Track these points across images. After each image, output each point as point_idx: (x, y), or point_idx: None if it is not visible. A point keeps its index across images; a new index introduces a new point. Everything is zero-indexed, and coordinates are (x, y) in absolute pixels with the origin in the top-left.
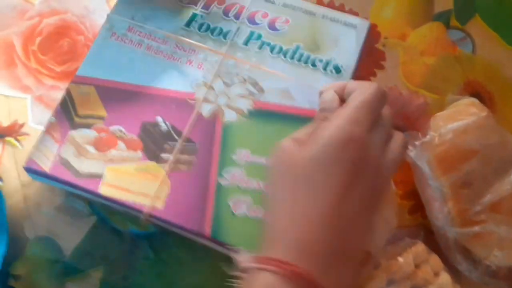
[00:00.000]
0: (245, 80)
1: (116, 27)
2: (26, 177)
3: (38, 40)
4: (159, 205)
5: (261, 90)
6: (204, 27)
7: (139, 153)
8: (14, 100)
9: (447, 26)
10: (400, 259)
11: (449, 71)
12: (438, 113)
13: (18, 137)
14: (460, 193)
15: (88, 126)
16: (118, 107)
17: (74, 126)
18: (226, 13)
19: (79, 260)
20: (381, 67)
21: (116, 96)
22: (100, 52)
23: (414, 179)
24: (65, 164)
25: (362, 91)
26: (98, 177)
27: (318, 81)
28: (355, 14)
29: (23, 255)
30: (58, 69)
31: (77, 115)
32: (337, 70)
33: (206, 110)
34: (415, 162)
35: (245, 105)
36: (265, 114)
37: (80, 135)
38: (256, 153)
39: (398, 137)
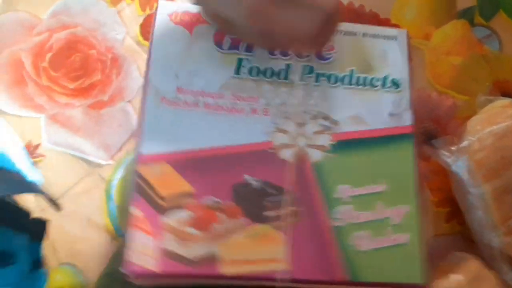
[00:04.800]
0: (315, 116)
1: (162, 91)
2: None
3: (48, 56)
4: (286, 266)
5: (334, 123)
6: (254, 71)
7: (242, 219)
8: (27, 120)
9: (472, 23)
10: (454, 276)
11: (477, 71)
12: (474, 117)
13: (34, 159)
14: (503, 200)
15: (178, 206)
16: (200, 177)
17: (163, 211)
18: (271, 51)
19: (105, 286)
20: None
21: (194, 166)
22: (156, 123)
23: (451, 186)
24: (172, 256)
25: None
26: (213, 258)
27: (382, 100)
28: (386, 22)
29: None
30: (72, 85)
31: (162, 198)
32: (396, 85)
33: (288, 155)
34: (453, 168)
35: (325, 140)
36: (347, 144)
37: (174, 219)
38: (356, 186)
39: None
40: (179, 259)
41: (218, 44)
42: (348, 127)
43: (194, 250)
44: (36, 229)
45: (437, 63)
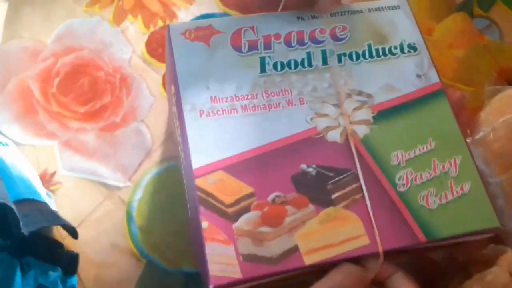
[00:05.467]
0: (349, 94)
1: (198, 104)
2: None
3: (56, 81)
4: (366, 241)
5: (369, 96)
6: (279, 66)
7: (311, 207)
8: (41, 148)
9: (471, 15)
10: (495, 268)
11: (480, 62)
12: (486, 108)
13: (51, 187)
14: None
15: (246, 210)
16: (257, 176)
17: (233, 217)
18: (288, 44)
19: None
20: None
21: (248, 167)
22: (200, 136)
23: None
24: (253, 258)
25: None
26: (293, 251)
27: (405, 65)
28: None
29: None
30: (82, 109)
31: (227, 206)
32: (413, 48)
33: (336, 136)
34: None
35: (366, 115)
36: (387, 114)
37: (246, 222)
38: (408, 150)
39: None
40: (260, 260)
41: (237, 49)
42: (383, 97)
43: (273, 248)
44: (69, 262)
45: (440, 57)
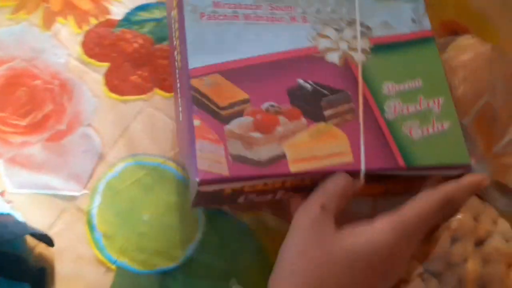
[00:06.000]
0: (350, 22)
1: (200, 7)
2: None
3: None
4: (350, 159)
5: (368, 28)
6: None
7: (303, 120)
8: None
9: None
10: (459, 215)
11: None
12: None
13: None
14: (485, 129)
15: (239, 114)
16: (254, 84)
17: (225, 120)
18: None
19: None
20: None
21: (245, 74)
22: (199, 37)
23: None
24: (241, 160)
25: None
26: (280, 158)
27: (403, 8)
28: None
29: None
30: (23, 122)
31: (221, 108)
32: None
33: (335, 58)
34: None
35: (365, 44)
36: (383, 48)
37: (238, 125)
38: (399, 82)
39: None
40: (248, 162)
41: None
42: (380, 32)
43: (261, 153)
44: (37, 277)
45: None
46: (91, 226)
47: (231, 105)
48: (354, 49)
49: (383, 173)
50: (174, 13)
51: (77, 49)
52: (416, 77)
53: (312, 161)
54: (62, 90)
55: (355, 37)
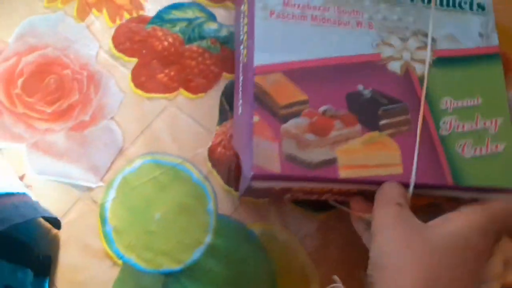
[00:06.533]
0: (415, 32)
1: (270, 5)
2: None
3: (20, 81)
4: (400, 171)
5: (433, 40)
6: None
7: (358, 127)
8: (7, 152)
9: None
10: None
11: None
12: None
13: None
14: None
15: (296, 114)
16: (314, 86)
17: (283, 119)
18: None
19: None
20: None
21: (307, 75)
22: (267, 34)
23: None
24: (293, 159)
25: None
26: (332, 163)
27: (471, 21)
28: None
29: None
30: (49, 110)
31: (280, 107)
32: (482, 7)
33: (396, 67)
34: None
35: (428, 56)
36: (446, 61)
37: (294, 126)
38: (457, 98)
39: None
40: (300, 162)
41: None
42: (445, 44)
43: (313, 155)
44: (41, 264)
45: None
46: (103, 219)
47: (290, 105)
48: (417, 60)
49: (429, 188)
50: (244, 7)
51: (108, 43)
52: (476, 95)
53: (361, 169)
54: (89, 81)
55: (419, 48)
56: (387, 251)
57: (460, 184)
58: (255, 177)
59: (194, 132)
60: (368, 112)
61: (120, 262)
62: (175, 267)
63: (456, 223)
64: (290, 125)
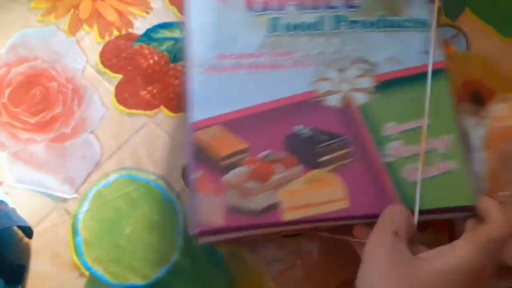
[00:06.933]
0: (355, 61)
1: (204, 60)
2: None
3: (7, 91)
4: (345, 205)
5: (373, 65)
6: (289, 27)
7: (299, 167)
8: None
9: (437, 23)
10: None
11: None
12: None
13: None
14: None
15: (237, 164)
16: (253, 133)
17: (224, 170)
18: (302, 7)
19: None
20: None
21: (245, 124)
22: (203, 90)
23: None
24: (237, 210)
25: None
26: (275, 207)
27: (414, 39)
28: None
29: None
30: (33, 120)
31: (220, 159)
32: (424, 24)
33: (335, 101)
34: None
35: (368, 83)
36: (388, 85)
37: (235, 176)
38: (402, 122)
39: None
40: (244, 211)
41: (250, 8)
42: (386, 68)
43: (256, 202)
44: (13, 273)
45: None
46: (74, 230)
47: (230, 155)
48: (358, 89)
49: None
50: (185, 64)
51: (95, 58)
52: (422, 115)
53: (305, 208)
54: (74, 94)
55: (359, 76)
56: (372, 281)
57: (412, 210)
58: (201, 234)
59: (170, 150)
60: (308, 151)
61: (87, 273)
62: (140, 282)
63: (446, 259)
64: (231, 175)
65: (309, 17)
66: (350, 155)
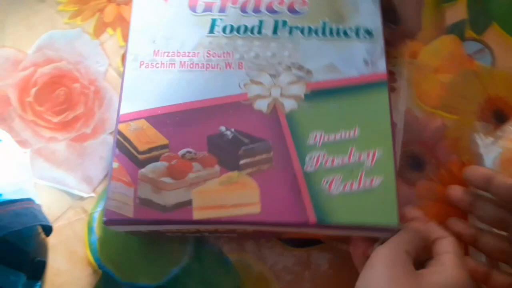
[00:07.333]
0: (289, 67)
1: (141, 56)
2: None
3: (33, 91)
4: (257, 210)
5: (308, 72)
6: (228, 29)
7: (217, 168)
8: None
9: (462, 38)
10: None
11: (468, 89)
12: None
13: None
14: None
15: (155, 159)
16: (176, 130)
17: (141, 164)
18: (244, 10)
19: None
20: (392, 89)
21: (170, 120)
22: (134, 85)
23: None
24: (147, 203)
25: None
26: (186, 205)
27: (356, 49)
28: None
29: None
30: (56, 119)
31: (140, 153)
32: (369, 33)
33: (263, 106)
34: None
35: (300, 90)
36: (322, 93)
37: (151, 170)
38: (329, 132)
39: None
40: (154, 206)
41: (193, 8)
42: (322, 76)
43: (168, 198)
44: (34, 268)
45: (424, 82)
46: (90, 228)
47: (150, 150)
48: (286, 96)
49: (291, 226)
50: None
51: (117, 61)
52: (352, 126)
53: (217, 209)
54: (95, 96)
55: (291, 82)
56: (374, 285)
57: (324, 223)
58: (107, 223)
59: None
60: (228, 153)
61: (100, 271)
62: (152, 283)
63: (445, 278)
64: (148, 169)
65: (249, 21)
66: (269, 160)
